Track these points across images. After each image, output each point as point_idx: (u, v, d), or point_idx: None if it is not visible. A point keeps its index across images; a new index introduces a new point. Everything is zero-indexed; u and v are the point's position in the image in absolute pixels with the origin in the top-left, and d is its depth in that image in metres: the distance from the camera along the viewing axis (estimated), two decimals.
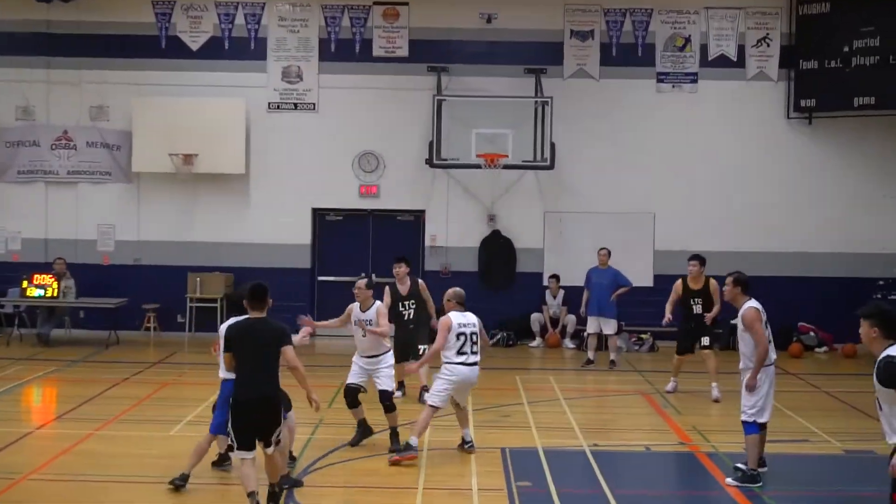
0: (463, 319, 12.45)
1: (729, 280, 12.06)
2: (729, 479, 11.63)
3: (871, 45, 21.47)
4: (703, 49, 22.59)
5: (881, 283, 22.35)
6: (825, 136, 22.46)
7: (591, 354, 19.73)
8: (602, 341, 19.99)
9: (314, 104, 22.64)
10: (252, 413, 9.81)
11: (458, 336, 12.32)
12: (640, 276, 21.25)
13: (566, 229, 22.55)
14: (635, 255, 21.87)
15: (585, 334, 20.22)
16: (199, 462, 11.25)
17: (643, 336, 21.92)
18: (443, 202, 22.66)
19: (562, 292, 22.01)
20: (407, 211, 22.91)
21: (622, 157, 22.46)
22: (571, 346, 21.84)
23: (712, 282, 16.69)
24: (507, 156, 20.98)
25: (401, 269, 16.11)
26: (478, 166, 21.14)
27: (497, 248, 22.53)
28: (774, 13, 22.53)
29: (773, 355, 11.82)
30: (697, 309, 16.73)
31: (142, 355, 20.15)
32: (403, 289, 16.03)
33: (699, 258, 16.89)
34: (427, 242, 22.73)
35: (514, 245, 22.57)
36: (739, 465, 11.66)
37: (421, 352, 15.09)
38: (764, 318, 11.72)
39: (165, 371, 18.53)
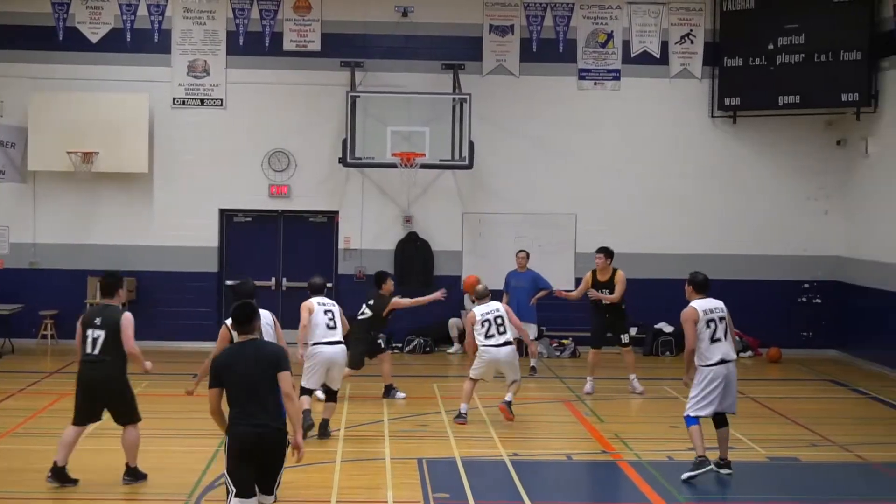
0: (485, 309, 15.19)
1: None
2: (684, 475, 12.19)
3: (796, 42, 21.79)
4: (626, 45, 22.79)
5: (806, 286, 22.73)
6: (750, 135, 22.79)
7: None
8: (522, 347, 20.06)
9: (222, 100, 22.46)
10: (250, 452, 8.82)
11: (482, 324, 15.04)
12: (561, 279, 21.37)
13: (485, 231, 22.64)
14: (556, 257, 22.04)
15: None
16: None
17: (564, 341, 22.05)
18: (357, 203, 22.60)
19: None
20: (319, 212, 22.81)
21: (543, 157, 22.59)
22: None
23: (619, 273, 17.37)
24: (423, 155, 20.99)
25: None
26: (393, 165, 21.12)
27: (414, 250, 22.52)
28: (698, 9, 22.79)
29: (718, 355, 12.28)
30: (606, 302, 17.26)
31: (38, 365, 19.86)
32: None
33: (605, 250, 17.49)
34: (340, 245, 22.64)
35: (432, 247, 22.57)
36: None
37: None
38: (708, 317, 12.33)
39: (63, 381, 18.18)
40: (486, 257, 22.34)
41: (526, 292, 19.48)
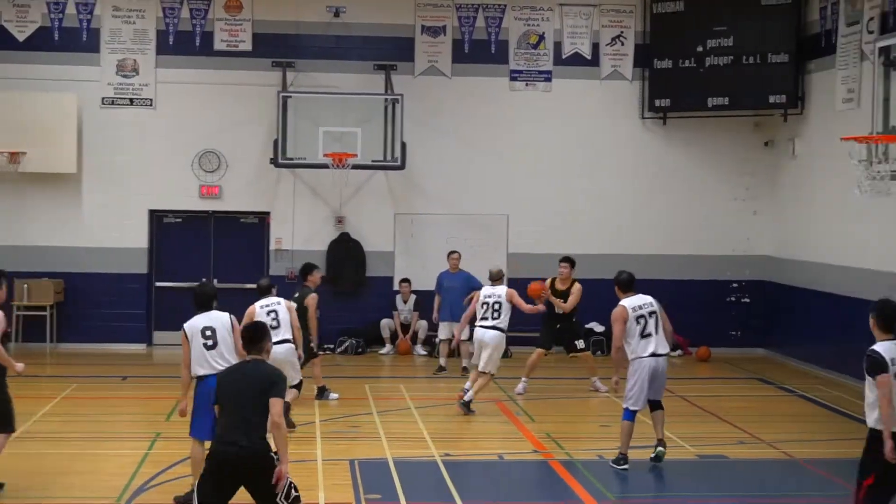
0: (488, 292, 16.29)
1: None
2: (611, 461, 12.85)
3: (725, 44, 22.02)
4: (558, 47, 22.90)
5: (735, 285, 22.99)
6: (679, 136, 22.99)
7: (442, 361, 19.84)
8: (454, 347, 20.11)
9: (151, 100, 22.25)
10: (220, 471, 8.76)
11: (482, 305, 16.08)
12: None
13: (418, 232, 22.64)
14: (489, 257, 22.06)
15: (437, 340, 20.34)
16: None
17: None
18: (288, 203, 22.50)
19: (413, 297, 22.06)
20: (250, 213, 22.68)
21: (475, 158, 22.63)
22: (423, 352, 21.90)
23: (576, 285, 17.63)
24: (355, 155, 20.95)
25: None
26: (325, 166, 21.05)
27: (346, 251, 22.45)
28: (629, 11, 22.95)
29: (649, 348, 12.72)
30: (559, 310, 17.40)
31: None
32: None
33: (569, 260, 17.77)
34: (272, 246, 22.53)
35: (364, 248, 22.52)
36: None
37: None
38: (637, 314, 12.78)
39: None
40: (419, 258, 22.36)
41: (458, 293, 19.51)
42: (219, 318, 11.33)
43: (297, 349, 15.02)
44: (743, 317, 23.08)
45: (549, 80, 22.90)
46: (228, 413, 8.83)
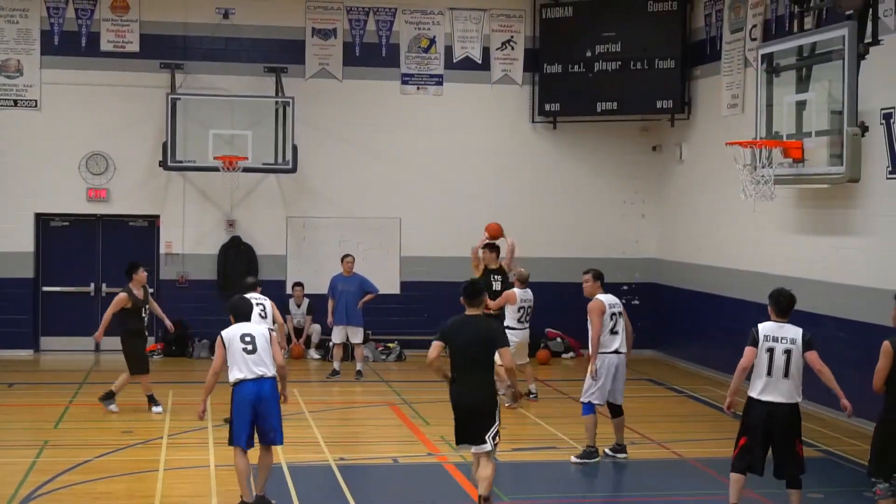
0: (525, 296, 16.85)
1: (588, 276, 13.99)
2: (573, 458, 13.39)
3: (613, 50, 22.31)
4: (448, 51, 23.01)
5: (625, 287, 23.23)
6: (569, 141, 23.26)
7: (336, 365, 19.76)
8: (348, 351, 20.07)
9: (36, 101, 21.83)
10: (464, 414, 10.63)
11: (518, 310, 16.67)
12: (387, 282, 21.48)
13: (309, 235, 22.56)
14: (381, 261, 22.12)
15: (331, 344, 20.26)
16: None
17: (390, 345, 22.09)
18: (178, 207, 22.26)
19: (306, 301, 21.97)
20: (140, 216, 22.39)
21: (367, 161, 22.64)
22: (316, 356, 21.82)
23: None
24: (246, 158, 20.84)
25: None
26: (215, 169, 20.89)
27: (237, 254, 22.28)
28: (518, 16, 23.16)
29: (614, 345, 13.51)
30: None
31: None
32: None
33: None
34: (162, 250, 22.26)
35: (256, 251, 22.39)
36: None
37: None
38: (612, 311, 13.57)
39: None
40: (311, 261, 22.30)
41: (353, 296, 19.46)
42: (258, 327, 11.31)
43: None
44: (633, 318, 22.85)
45: (440, 83, 22.99)
46: (463, 363, 10.62)
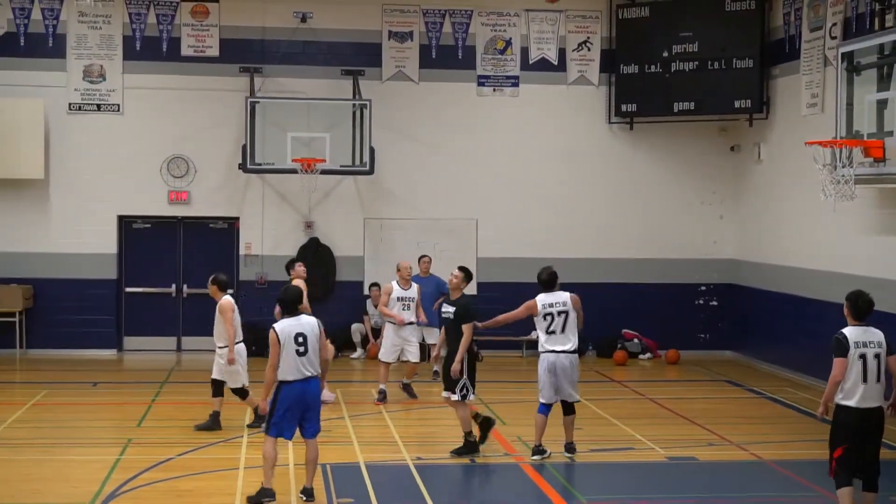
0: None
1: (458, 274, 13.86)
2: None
3: (690, 50, 22.14)
4: (524, 52, 22.98)
5: (703, 288, 23.13)
6: (646, 141, 23.12)
7: None
8: (425, 352, 20.09)
9: (119, 105, 22.18)
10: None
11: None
12: None
13: (386, 236, 22.67)
14: (458, 262, 22.00)
15: None
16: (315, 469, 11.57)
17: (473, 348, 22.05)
18: (257, 209, 22.48)
19: None
20: (220, 218, 22.63)
21: (444, 162, 22.70)
22: None
23: None
24: (324, 160, 20.97)
25: None
26: (294, 171, 21.05)
27: (315, 256, 22.42)
28: (594, 17, 23.06)
29: (550, 346, 13.35)
30: None
31: None
32: None
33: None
34: (241, 251, 22.52)
35: (334, 253, 22.55)
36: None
37: None
38: (546, 311, 13.35)
39: None
40: (389, 263, 22.30)
41: (430, 297, 19.47)
42: (309, 324, 11.49)
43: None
44: (711, 320, 23.23)
45: (516, 85, 22.97)
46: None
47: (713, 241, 23.22)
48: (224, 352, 14.66)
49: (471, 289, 20.35)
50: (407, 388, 17.80)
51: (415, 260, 19.63)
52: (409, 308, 17.29)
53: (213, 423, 14.76)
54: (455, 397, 13.49)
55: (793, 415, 16.80)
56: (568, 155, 22.98)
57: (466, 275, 13.93)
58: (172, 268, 22.55)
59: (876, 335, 10.26)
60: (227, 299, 14.93)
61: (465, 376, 13.54)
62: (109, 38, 22.17)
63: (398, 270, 17.70)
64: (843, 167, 16.19)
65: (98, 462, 13.12)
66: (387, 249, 22.56)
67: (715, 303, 23.06)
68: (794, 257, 20.30)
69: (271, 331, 11.25)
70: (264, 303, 19.63)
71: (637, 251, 22.92)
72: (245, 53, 22.31)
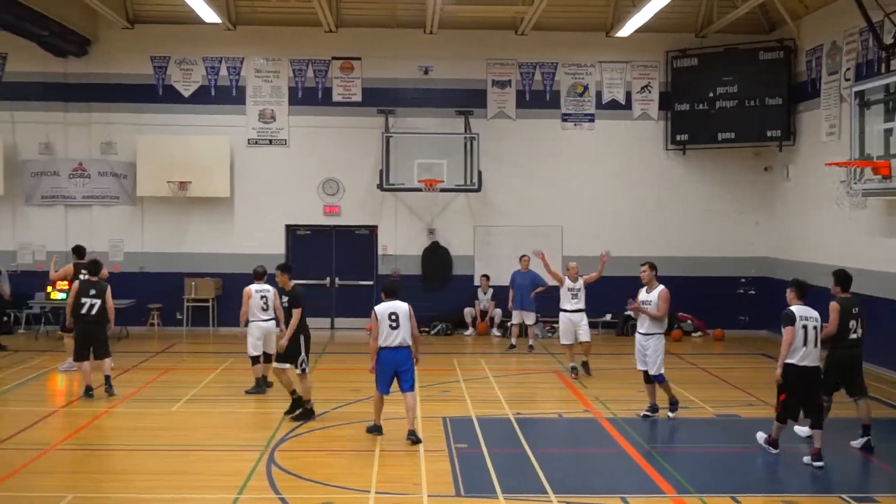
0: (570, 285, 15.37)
1: (647, 266, 13.23)
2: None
3: (731, 91, 21.77)
4: (598, 95, 22.75)
5: (743, 280, 22.67)
6: (696, 164, 22.73)
7: (513, 340, 19.80)
8: (522, 330, 20.05)
9: (285, 140, 22.48)
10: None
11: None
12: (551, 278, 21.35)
13: (491, 240, 22.60)
14: (549, 260, 21.97)
15: (510, 324, 20.29)
16: (414, 418, 11.84)
17: (555, 325, 21.82)
18: (391, 219, 22.60)
19: (491, 290, 22.05)
20: (363, 226, 22.77)
21: (535, 182, 22.56)
22: (497, 333, 21.84)
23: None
24: (442, 181, 21.02)
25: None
26: (419, 189, 21.14)
27: (436, 255, 22.50)
28: (654, 66, 22.75)
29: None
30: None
31: (147, 346, 19.86)
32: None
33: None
34: (379, 252, 22.64)
35: (451, 253, 22.56)
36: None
37: None
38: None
39: (167, 359, 18.28)
40: (492, 260, 22.33)
41: (527, 288, 19.43)
42: (401, 306, 11.75)
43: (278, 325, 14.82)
44: (749, 305, 22.74)
45: (592, 121, 22.75)
46: None
47: (750, 242, 22.72)
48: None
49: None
50: (585, 365, 16.45)
51: (515, 258, 19.62)
52: (577, 297, 16.26)
53: (261, 388, 14.80)
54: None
55: None
56: (633, 175, 22.70)
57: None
58: (327, 264, 22.73)
59: (813, 312, 10.93)
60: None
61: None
62: (278, 88, 22.47)
63: (567, 269, 16.53)
64: (857, 183, 15.80)
65: (270, 414, 13.32)
66: (491, 250, 22.52)
67: (753, 292, 22.58)
68: (815, 255, 19.76)
69: (373, 311, 11.71)
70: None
71: (689, 251, 22.55)
72: (381, 99, 22.43)
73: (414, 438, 11.55)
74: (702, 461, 11.17)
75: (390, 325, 11.58)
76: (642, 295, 13.04)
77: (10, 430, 12.09)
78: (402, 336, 11.59)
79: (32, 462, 10.60)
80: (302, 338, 12.91)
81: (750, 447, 11.60)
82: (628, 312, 16.82)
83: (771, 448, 11.23)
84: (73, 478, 10.14)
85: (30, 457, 10.78)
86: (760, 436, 11.52)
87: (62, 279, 17.52)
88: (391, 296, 11.86)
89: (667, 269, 19.69)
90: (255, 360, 14.84)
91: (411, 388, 11.74)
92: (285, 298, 13.22)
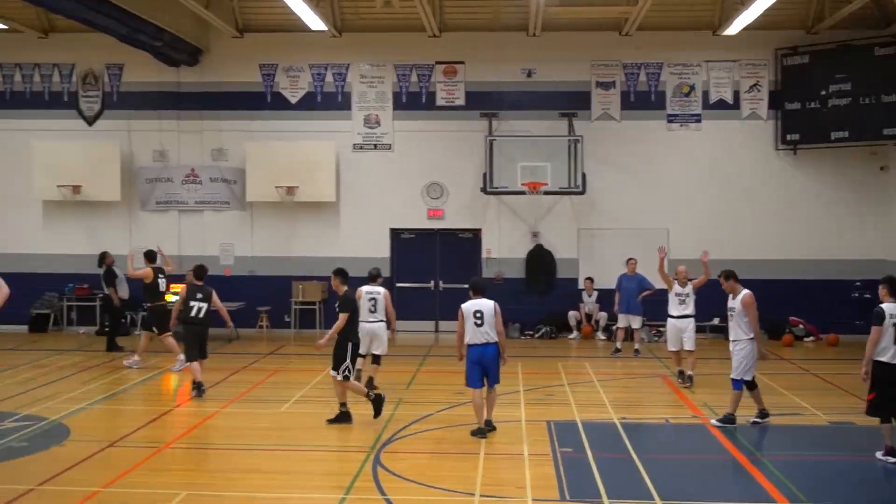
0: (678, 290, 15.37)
1: (722, 276, 12.99)
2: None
3: (844, 89, 21.17)
4: (705, 95, 22.37)
5: (858, 283, 21.94)
6: (807, 164, 22.14)
7: (618, 344, 19.58)
8: (628, 333, 19.80)
9: (390, 144, 22.70)
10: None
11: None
12: (659, 281, 20.91)
13: (596, 243, 22.41)
14: (654, 263, 21.64)
15: (615, 328, 20.08)
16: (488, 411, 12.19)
17: (661, 329, 21.58)
18: (495, 222, 22.61)
19: (595, 292, 21.86)
20: (466, 229, 22.84)
21: (641, 184, 22.30)
22: (603, 337, 21.67)
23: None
24: (546, 184, 20.93)
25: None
26: (523, 192, 21.10)
27: (540, 258, 22.42)
28: (763, 64, 22.25)
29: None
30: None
31: (256, 348, 20.30)
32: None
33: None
34: (483, 255, 22.66)
35: (555, 256, 22.45)
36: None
37: None
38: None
39: (276, 361, 18.65)
40: (597, 263, 22.14)
41: (634, 291, 19.18)
42: (486, 304, 12.03)
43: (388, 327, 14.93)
44: (865, 309, 21.87)
45: (699, 121, 22.38)
46: None
47: (865, 244, 21.99)
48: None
49: (664, 284, 20.03)
50: (687, 375, 15.80)
51: (619, 261, 19.42)
52: (685, 303, 15.97)
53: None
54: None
55: None
56: (742, 176, 22.24)
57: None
58: (431, 267, 22.87)
59: None
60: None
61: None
62: (383, 93, 22.71)
63: (677, 273, 16.17)
64: None
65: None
66: (595, 253, 22.33)
67: (868, 295, 21.75)
68: None
69: (460, 308, 12.01)
70: (500, 295, 19.67)
71: (801, 253, 21.97)
72: (484, 102, 22.47)
73: (490, 427, 12.10)
74: (814, 469, 10.85)
75: (475, 323, 11.88)
76: (729, 302, 12.87)
77: (128, 427, 12.49)
78: (486, 333, 11.84)
79: (148, 459, 10.92)
80: (350, 345, 12.81)
81: (866, 456, 11.22)
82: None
83: (889, 458, 10.81)
84: (186, 475, 10.40)
85: (146, 454, 11.11)
86: (878, 454, 11.06)
87: (142, 278, 17.34)
88: (478, 293, 12.12)
89: (777, 273, 19.39)
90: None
91: (493, 384, 12.17)
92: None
